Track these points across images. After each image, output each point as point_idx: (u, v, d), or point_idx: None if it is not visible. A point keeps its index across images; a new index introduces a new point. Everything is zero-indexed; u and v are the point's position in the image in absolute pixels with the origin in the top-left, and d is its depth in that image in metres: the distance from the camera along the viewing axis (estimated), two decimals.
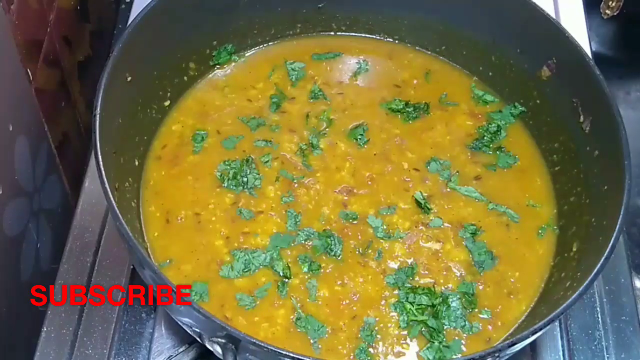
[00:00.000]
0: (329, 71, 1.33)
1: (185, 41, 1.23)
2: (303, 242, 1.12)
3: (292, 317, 1.05)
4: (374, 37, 1.38)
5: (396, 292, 1.08)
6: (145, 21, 1.12)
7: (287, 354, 0.86)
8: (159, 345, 1.16)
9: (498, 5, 1.24)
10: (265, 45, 1.35)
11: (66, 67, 1.42)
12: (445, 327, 1.06)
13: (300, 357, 0.86)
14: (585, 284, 0.94)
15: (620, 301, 1.23)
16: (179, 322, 1.02)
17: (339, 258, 1.11)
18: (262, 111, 1.26)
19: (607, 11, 1.50)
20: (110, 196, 0.95)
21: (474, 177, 1.21)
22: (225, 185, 1.17)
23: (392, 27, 1.36)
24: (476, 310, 1.08)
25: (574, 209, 1.15)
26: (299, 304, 1.06)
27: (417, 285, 1.09)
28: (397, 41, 1.37)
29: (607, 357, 1.18)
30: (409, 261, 1.11)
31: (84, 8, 1.52)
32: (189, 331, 1.02)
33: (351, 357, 1.03)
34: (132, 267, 1.21)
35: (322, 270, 1.10)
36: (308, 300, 1.07)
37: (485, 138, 1.25)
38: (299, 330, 1.04)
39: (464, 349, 1.05)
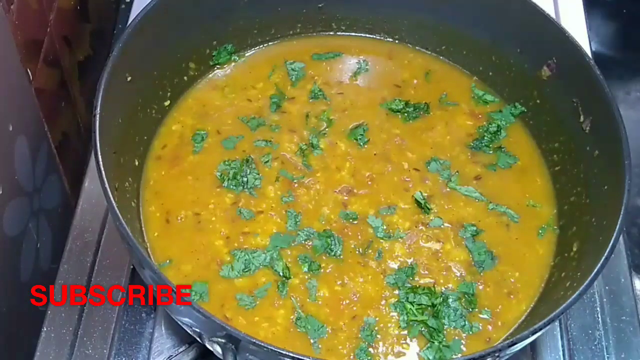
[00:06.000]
0: (329, 71, 1.33)
1: (185, 41, 1.23)
2: (303, 242, 1.12)
3: (292, 317, 1.05)
4: (374, 37, 1.38)
5: (396, 292, 1.08)
6: (145, 21, 1.12)
7: (287, 354, 0.86)
8: (159, 345, 1.16)
9: (498, 5, 1.24)
10: (265, 45, 1.35)
11: (66, 67, 1.42)
12: (445, 327, 1.06)
13: (300, 357, 0.86)
14: (585, 284, 0.94)
15: (620, 301, 1.23)
16: (179, 322, 1.02)
17: (339, 258, 1.11)
18: (262, 111, 1.26)
19: None
20: (110, 196, 0.95)
21: (474, 177, 1.21)
22: (225, 185, 1.17)
23: (392, 27, 1.36)
24: (476, 310, 1.08)
25: (574, 209, 1.15)
26: (299, 304, 1.06)
27: (417, 285, 1.09)
28: (397, 41, 1.37)
29: (607, 357, 1.18)
30: (409, 261, 1.11)
31: (84, 8, 1.52)
32: (189, 331, 1.02)
33: (351, 357, 1.03)
34: (132, 267, 1.21)
35: (322, 270, 1.09)
36: (308, 300, 1.07)
37: (485, 138, 1.25)
38: (299, 330, 1.04)
39: (464, 348, 1.05)
